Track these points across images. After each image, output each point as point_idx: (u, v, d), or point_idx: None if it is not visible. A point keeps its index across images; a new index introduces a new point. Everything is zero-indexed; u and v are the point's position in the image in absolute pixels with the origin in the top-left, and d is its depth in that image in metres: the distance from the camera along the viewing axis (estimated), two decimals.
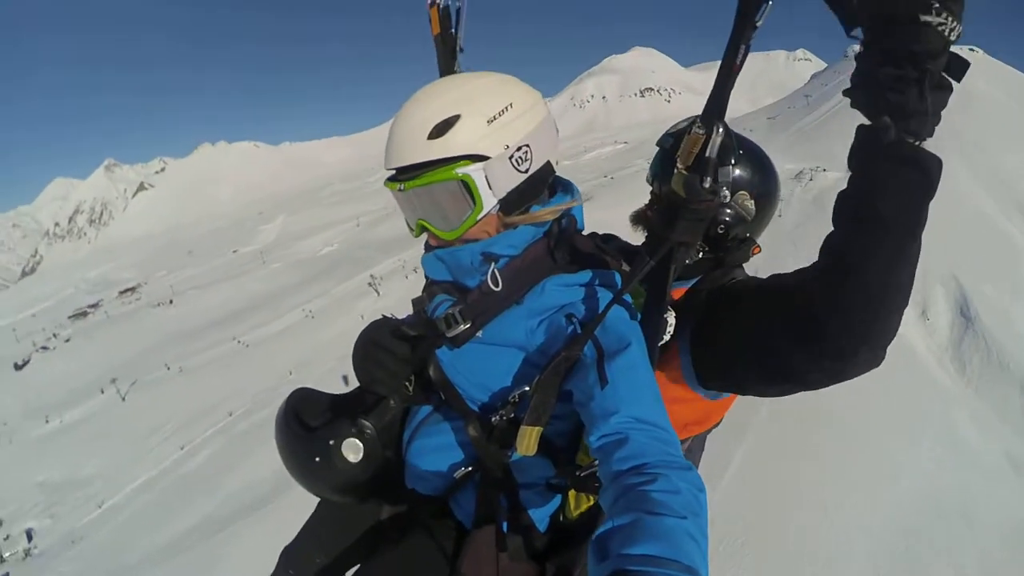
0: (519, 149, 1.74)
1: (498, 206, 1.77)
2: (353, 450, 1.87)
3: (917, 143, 1.37)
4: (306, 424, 1.91)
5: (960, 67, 1.33)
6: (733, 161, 2.22)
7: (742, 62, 1.44)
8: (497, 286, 1.77)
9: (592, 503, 1.85)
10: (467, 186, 1.69)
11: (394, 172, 1.78)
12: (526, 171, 1.77)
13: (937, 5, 1.23)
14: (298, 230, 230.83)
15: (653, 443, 1.36)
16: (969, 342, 42.83)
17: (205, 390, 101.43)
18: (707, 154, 1.58)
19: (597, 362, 1.54)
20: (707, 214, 1.62)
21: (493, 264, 1.78)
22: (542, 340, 1.74)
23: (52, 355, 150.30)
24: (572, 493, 1.87)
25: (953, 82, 1.35)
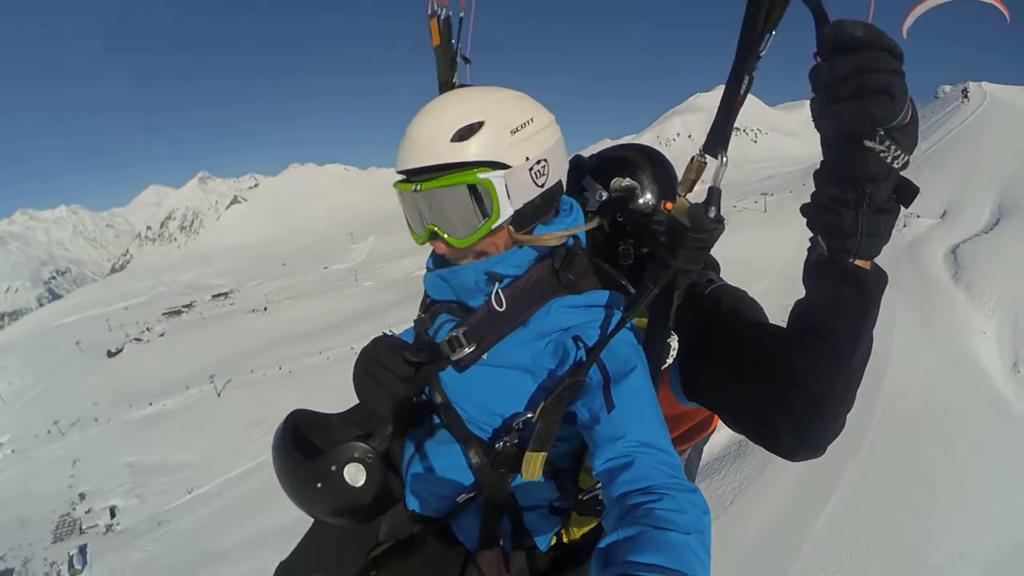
0: (539, 163, 1.73)
1: (511, 219, 1.74)
2: (355, 474, 1.83)
3: (854, 261, 1.40)
4: (306, 448, 1.90)
5: (909, 193, 1.36)
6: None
7: (747, 92, 1.44)
8: (501, 307, 1.75)
9: (595, 523, 1.88)
10: (487, 192, 1.66)
11: (405, 175, 1.74)
12: (542, 186, 1.76)
13: (882, 133, 1.25)
14: (388, 251, 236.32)
15: (659, 467, 1.38)
16: None
17: (305, 394, 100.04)
18: (712, 183, 1.56)
19: (603, 386, 1.56)
20: (710, 242, 1.60)
21: (497, 284, 1.76)
22: (548, 362, 1.73)
23: (145, 347, 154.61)
24: (575, 515, 1.88)
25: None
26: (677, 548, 1.14)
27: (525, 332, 1.74)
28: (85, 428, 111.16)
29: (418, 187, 1.68)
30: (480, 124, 1.64)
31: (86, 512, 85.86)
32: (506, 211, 1.69)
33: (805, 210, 1.48)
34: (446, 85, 2.42)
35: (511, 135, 1.67)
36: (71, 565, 73.41)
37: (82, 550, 75.89)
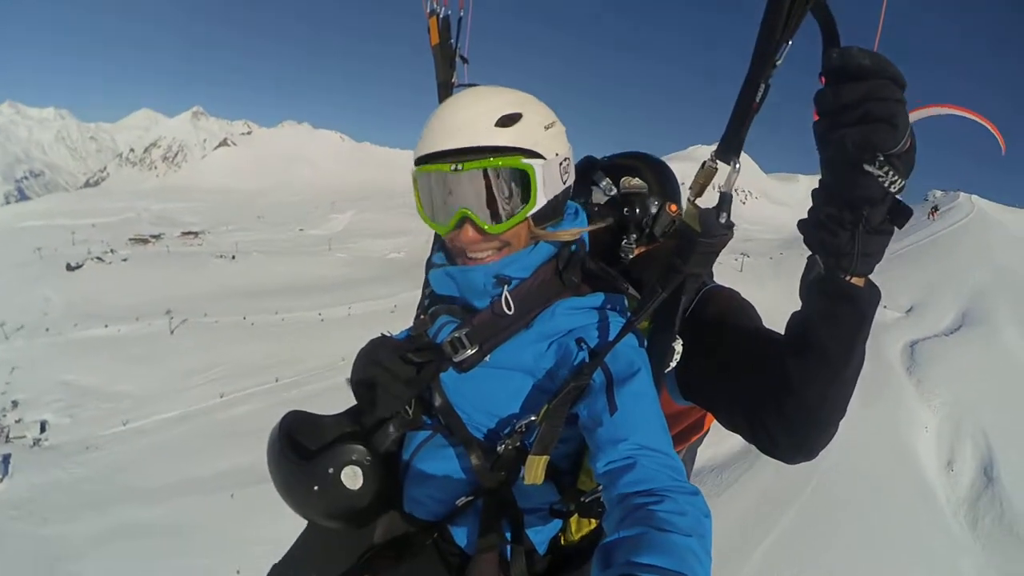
0: (565, 160, 1.77)
1: (536, 212, 1.74)
2: (352, 477, 1.82)
3: (849, 278, 1.44)
4: (301, 450, 1.86)
5: (902, 215, 1.38)
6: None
7: (762, 100, 1.43)
8: (510, 310, 1.74)
9: (594, 526, 1.87)
10: (528, 179, 1.67)
11: (436, 157, 1.70)
12: (565, 183, 1.80)
13: (881, 158, 1.27)
14: (366, 228, 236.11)
15: (661, 469, 1.38)
16: (986, 501, 46.85)
17: (256, 350, 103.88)
18: (724, 189, 1.56)
19: (606, 388, 1.55)
20: (720, 248, 1.61)
21: (506, 287, 1.75)
22: (551, 364, 1.73)
23: (106, 268, 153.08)
24: (574, 517, 1.86)
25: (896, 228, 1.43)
26: (678, 550, 1.14)
27: (529, 334, 1.76)
28: (31, 337, 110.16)
29: (458, 166, 1.65)
30: (519, 115, 1.67)
31: (16, 422, 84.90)
32: (540, 200, 1.71)
33: (802, 226, 1.51)
34: (445, 86, 2.45)
35: (544, 130, 1.71)
36: None
37: (5, 459, 74.83)
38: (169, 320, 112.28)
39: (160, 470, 70.09)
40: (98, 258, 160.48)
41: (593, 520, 1.84)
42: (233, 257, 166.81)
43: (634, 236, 2.49)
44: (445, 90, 2.42)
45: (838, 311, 1.47)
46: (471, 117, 1.66)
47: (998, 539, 42.05)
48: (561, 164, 1.75)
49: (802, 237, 1.52)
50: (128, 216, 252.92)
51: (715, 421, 2.20)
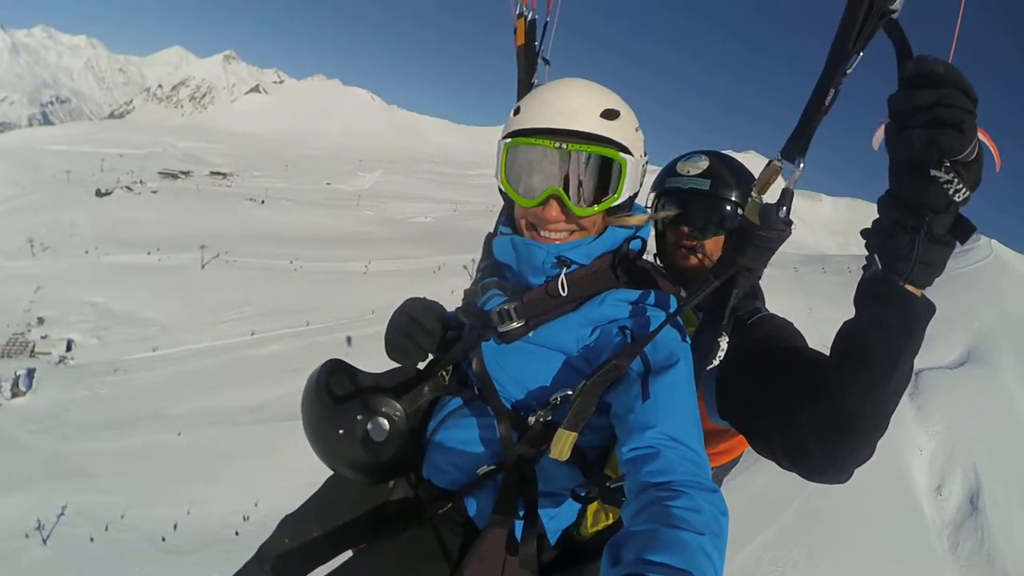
0: (646, 163, 1.84)
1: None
2: (379, 429, 1.87)
3: (904, 284, 1.43)
4: (336, 396, 1.92)
5: (965, 230, 1.39)
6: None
7: (831, 104, 1.48)
8: (564, 292, 1.79)
9: (610, 522, 1.86)
10: (620, 171, 1.74)
11: (542, 134, 1.74)
12: (641, 184, 1.87)
13: (948, 164, 1.29)
14: (392, 190, 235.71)
15: (683, 462, 1.37)
16: (969, 527, 50.75)
17: (287, 292, 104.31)
18: (786, 186, 1.61)
19: (642, 376, 1.57)
20: (776, 243, 1.65)
21: (565, 269, 1.81)
22: (591, 349, 1.75)
23: (136, 198, 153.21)
24: (592, 508, 1.86)
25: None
26: (688, 548, 1.13)
27: (575, 317, 1.77)
28: (57, 256, 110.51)
29: (564, 145, 1.70)
30: (619, 113, 1.72)
31: (42, 338, 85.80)
32: (625, 194, 1.77)
33: (865, 233, 1.52)
34: (525, 84, 2.49)
35: (635, 131, 1.78)
36: (15, 384, 73.25)
37: (30, 373, 75.82)
38: (201, 254, 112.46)
39: (186, 398, 70.97)
40: (127, 187, 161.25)
41: (611, 515, 1.83)
42: (263, 202, 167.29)
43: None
44: (525, 88, 2.45)
45: (888, 316, 1.44)
46: (582, 104, 1.71)
47: (975, 565, 44.40)
48: (643, 165, 1.81)
49: (864, 243, 1.52)
50: (154, 151, 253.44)
51: (745, 449, 2.32)
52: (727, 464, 2.59)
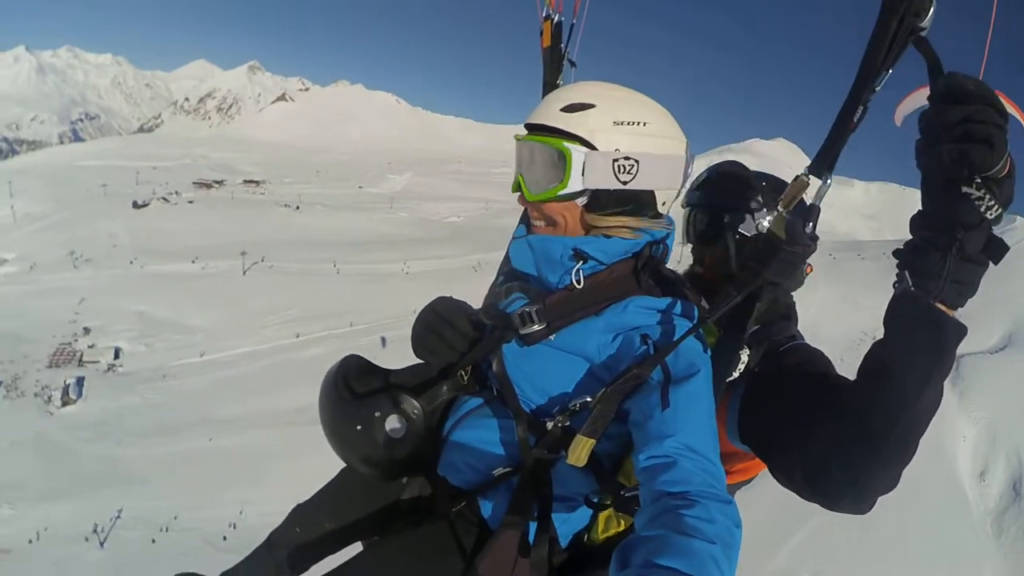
0: (627, 159, 1.78)
1: (585, 198, 1.83)
2: (396, 425, 1.88)
3: (935, 303, 1.42)
4: (355, 391, 1.92)
5: (998, 250, 1.40)
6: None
7: (859, 121, 1.49)
8: (580, 284, 1.81)
9: (621, 529, 1.87)
10: (564, 161, 1.76)
11: (526, 128, 1.90)
12: (625, 183, 1.80)
13: (979, 180, 1.30)
14: (423, 191, 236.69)
15: (699, 473, 1.38)
16: (1013, 514, 50.48)
17: (329, 295, 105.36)
18: (812, 201, 1.63)
19: (662, 385, 1.57)
20: (802, 258, 1.66)
21: (580, 263, 1.82)
22: (612, 356, 1.75)
23: (172, 208, 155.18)
24: (604, 515, 1.87)
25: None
26: (699, 556, 1.14)
27: (597, 322, 1.77)
28: (99, 268, 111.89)
29: (520, 136, 1.88)
30: (591, 106, 1.76)
31: (89, 347, 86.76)
32: (574, 185, 1.77)
33: (897, 253, 1.53)
34: (550, 86, 2.56)
35: (612, 125, 1.76)
36: (66, 392, 74.13)
37: (79, 381, 76.75)
38: (242, 261, 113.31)
39: (235, 402, 71.70)
40: (163, 198, 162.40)
41: (622, 522, 1.85)
42: (298, 208, 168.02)
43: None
44: (550, 89, 2.49)
45: (916, 335, 1.43)
46: (551, 100, 1.82)
47: (1020, 551, 44.51)
48: (618, 160, 1.77)
49: (896, 261, 1.53)
50: (186, 162, 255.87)
51: (761, 471, 2.27)
52: (741, 482, 2.54)
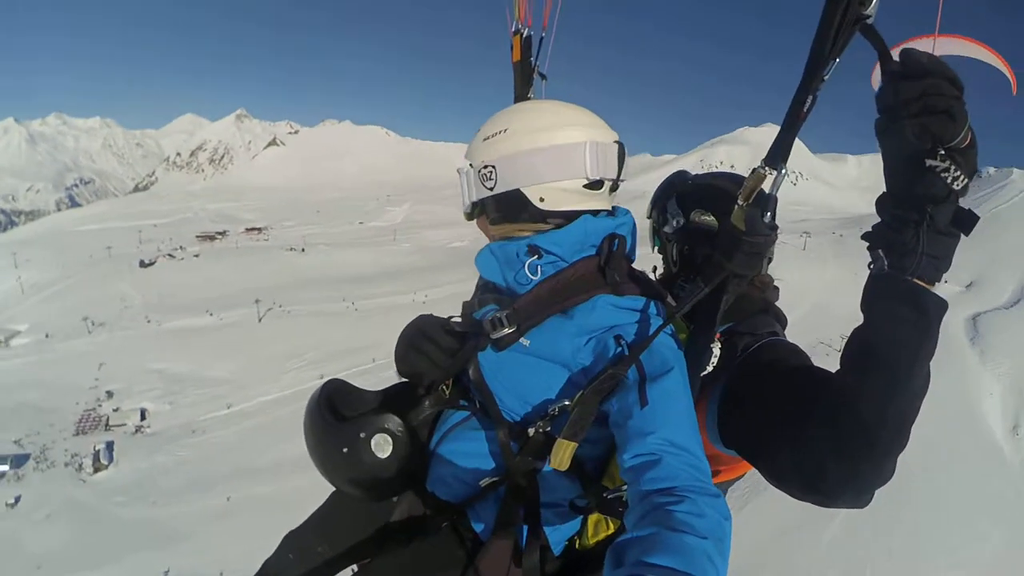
0: (484, 168, 1.92)
1: (478, 209, 2.05)
2: (382, 446, 1.88)
3: (913, 279, 1.42)
4: (338, 414, 1.93)
5: (967, 221, 1.40)
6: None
7: (809, 110, 1.50)
8: (536, 275, 1.85)
9: (611, 531, 1.89)
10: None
11: None
12: (491, 188, 1.92)
13: (943, 152, 1.31)
14: (424, 219, 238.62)
15: (685, 468, 1.39)
16: None
17: (348, 333, 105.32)
18: (769, 191, 1.62)
19: (639, 384, 1.58)
20: (764, 248, 1.66)
21: (535, 256, 1.87)
22: (587, 359, 1.77)
23: (179, 264, 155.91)
24: (592, 519, 1.89)
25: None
26: (691, 551, 1.14)
27: (569, 325, 1.79)
28: (112, 330, 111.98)
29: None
30: (503, 132, 1.92)
31: (114, 410, 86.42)
32: (463, 200, 2.03)
33: (866, 235, 1.54)
34: (521, 99, 2.60)
35: (482, 142, 1.94)
36: (96, 459, 73.82)
37: (109, 446, 76.38)
38: (256, 308, 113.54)
39: (267, 450, 70.96)
40: (169, 255, 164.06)
41: (611, 524, 1.87)
42: (303, 250, 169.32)
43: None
44: (521, 101, 2.58)
45: (899, 313, 1.42)
46: (476, 135, 2.00)
47: None
48: (480, 172, 1.93)
49: (866, 243, 1.54)
50: (186, 216, 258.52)
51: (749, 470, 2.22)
52: (730, 480, 2.48)
